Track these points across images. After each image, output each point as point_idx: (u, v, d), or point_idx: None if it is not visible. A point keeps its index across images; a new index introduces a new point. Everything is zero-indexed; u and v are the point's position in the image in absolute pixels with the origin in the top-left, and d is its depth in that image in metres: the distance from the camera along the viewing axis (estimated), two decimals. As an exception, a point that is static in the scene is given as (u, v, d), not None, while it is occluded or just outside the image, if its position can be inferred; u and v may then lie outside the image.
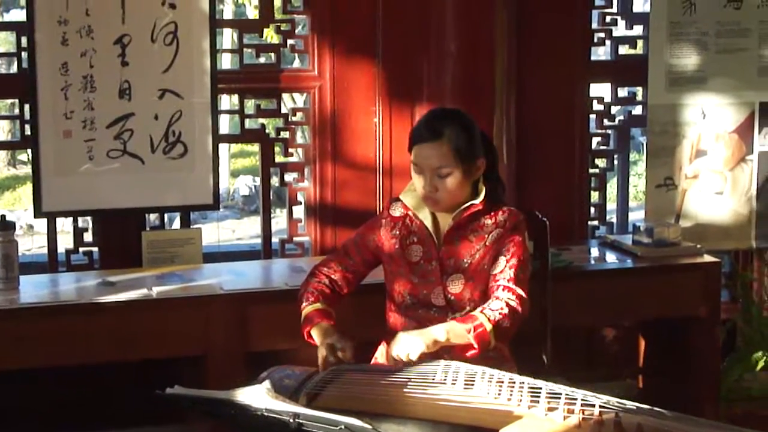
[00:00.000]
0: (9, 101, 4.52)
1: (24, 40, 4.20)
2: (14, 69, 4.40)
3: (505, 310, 3.17)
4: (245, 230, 11.33)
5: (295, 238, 4.63)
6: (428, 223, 3.39)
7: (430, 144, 3.26)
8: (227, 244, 9.16)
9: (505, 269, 3.29)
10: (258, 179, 5.02)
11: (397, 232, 3.43)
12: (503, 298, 3.22)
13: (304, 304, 3.38)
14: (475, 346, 3.11)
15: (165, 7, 4.23)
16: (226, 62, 8.59)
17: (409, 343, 3.06)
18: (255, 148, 4.67)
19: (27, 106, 4.22)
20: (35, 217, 4.28)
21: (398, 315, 3.44)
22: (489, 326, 3.13)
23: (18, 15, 13.14)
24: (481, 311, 3.18)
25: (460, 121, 3.32)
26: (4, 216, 4.00)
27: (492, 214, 3.36)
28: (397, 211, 3.46)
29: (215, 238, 9.67)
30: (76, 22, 4.15)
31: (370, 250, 3.49)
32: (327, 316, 3.33)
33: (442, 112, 3.50)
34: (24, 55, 4.22)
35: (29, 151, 4.27)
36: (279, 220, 6.14)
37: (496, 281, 3.29)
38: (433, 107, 3.74)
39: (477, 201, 3.33)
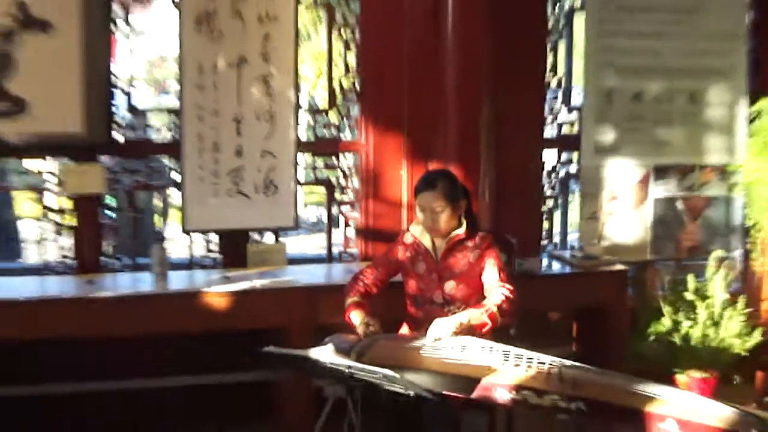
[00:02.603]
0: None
1: (174, 118, 4.27)
2: (166, 137, 4.43)
3: (502, 298, 3.16)
4: (313, 243, 11.28)
5: (348, 250, 4.65)
6: (428, 246, 3.36)
7: (428, 192, 3.26)
8: (301, 253, 9.10)
9: (492, 274, 3.27)
10: (322, 209, 4.99)
11: (409, 254, 3.41)
12: (499, 291, 3.20)
13: (347, 298, 3.38)
14: (489, 322, 3.09)
15: (266, 97, 4.27)
16: (303, 133, 8.59)
17: (442, 327, 3.04)
18: (321, 189, 4.68)
19: (176, 161, 4.29)
20: (183, 233, 4.31)
21: (412, 307, 3.43)
22: (494, 309, 3.11)
23: (167, 100, 13.08)
24: (487, 300, 3.17)
25: (447, 177, 3.34)
26: (160, 231, 4.01)
27: (472, 239, 3.34)
28: (408, 239, 3.43)
29: (296, 249, 9.62)
30: (209, 107, 4.20)
31: (391, 266, 3.46)
32: (362, 306, 3.33)
33: (434, 172, 3.53)
34: (174, 127, 4.30)
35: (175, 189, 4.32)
36: (335, 237, 6.13)
37: (490, 284, 3.26)
38: (429, 170, 3.64)
39: (461, 231, 3.31)
